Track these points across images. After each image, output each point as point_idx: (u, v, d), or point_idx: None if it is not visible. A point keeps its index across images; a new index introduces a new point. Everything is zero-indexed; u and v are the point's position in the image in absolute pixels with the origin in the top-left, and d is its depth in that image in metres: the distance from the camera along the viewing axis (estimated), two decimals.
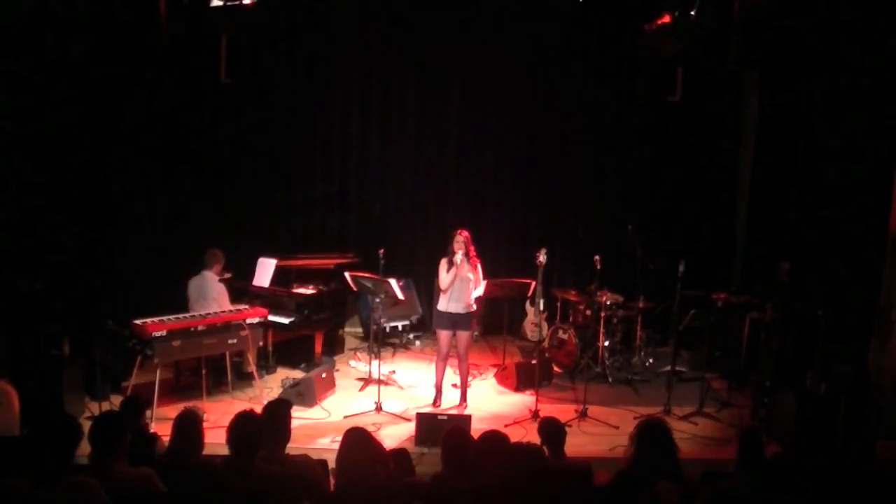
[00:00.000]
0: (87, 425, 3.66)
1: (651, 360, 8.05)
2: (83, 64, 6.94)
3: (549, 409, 6.45)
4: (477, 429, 5.12)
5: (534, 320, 8.16)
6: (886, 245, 6.13)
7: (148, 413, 5.40)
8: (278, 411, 4.12)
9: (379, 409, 6.62)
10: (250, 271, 7.84)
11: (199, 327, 6.41)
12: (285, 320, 7.47)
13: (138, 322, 6.24)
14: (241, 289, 7.63)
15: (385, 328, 8.07)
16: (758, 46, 6.88)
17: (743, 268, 8.79)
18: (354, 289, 7.38)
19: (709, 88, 8.71)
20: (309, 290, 7.79)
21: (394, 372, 7.74)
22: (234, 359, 7.04)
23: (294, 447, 4.05)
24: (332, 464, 3.64)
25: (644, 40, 7.47)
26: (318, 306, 7.69)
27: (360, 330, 9.12)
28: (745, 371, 7.16)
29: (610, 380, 7.61)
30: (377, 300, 7.09)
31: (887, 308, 6.09)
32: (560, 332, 8.01)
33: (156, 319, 6.29)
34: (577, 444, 5.68)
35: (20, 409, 5.54)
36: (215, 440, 5.42)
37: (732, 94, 8.82)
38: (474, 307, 6.76)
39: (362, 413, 6.58)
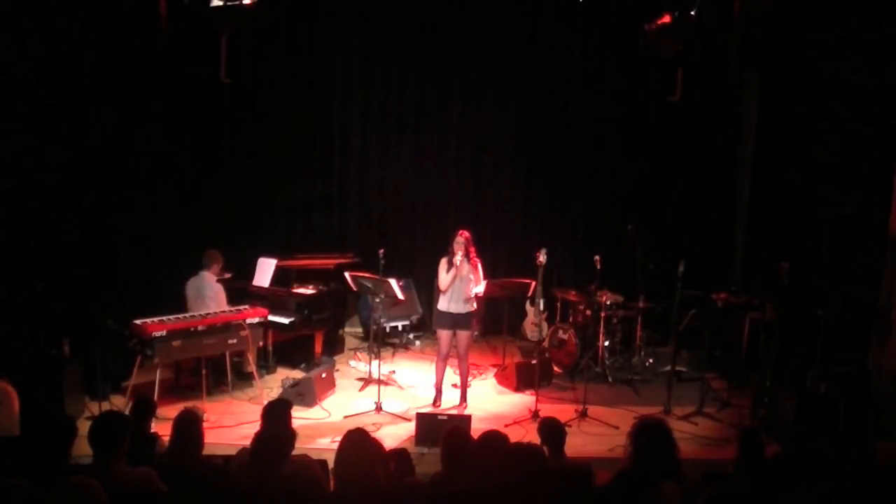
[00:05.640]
0: (87, 425, 3.67)
1: (651, 360, 8.05)
2: (82, 64, 6.94)
3: (549, 409, 6.45)
4: (477, 429, 5.12)
5: (534, 320, 8.16)
6: (886, 245, 6.13)
7: None
8: (278, 411, 4.12)
9: (379, 409, 6.62)
10: (250, 271, 7.84)
11: (199, 327, 6.41)
12: (285, 320, 7.47)
13: (138, 322, 6.25)
14: (241, 289, 7.62)
15: (385, 328, 8.06)
16: (758, 46, 6.88)
17: (743, 268, 8.79)
18: (354, 289, 7.38)
19: (709, 88, 8.70)
20: (309, 290, 7.79)
21: (394, 372, 7.74)
22: (234, 359, 7.04)
23: (294, 447, 4.04)
24: (332, 464, 3.63)
25: (644, 40, 7.47)
26: (318, 306, 7.68)
27: (360, 330, 9.12)
28: (745, 371, 7.15)
29: (610, 380, 7.61)
30: (377, 300, 7.08)
31: (887, 308, 6.09)
32: (560, 332, 8.01)
33: (156, 319, 6.30)
34: (577, 444, 5.69)
35: (20, 409, 5.54)
36: (215, 440, 5.47)
37: (732, 94, 8.82)
38: (474, 306, 6.76)
39: (362, 413, 6.58)
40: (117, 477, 3.44)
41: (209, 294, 6.92)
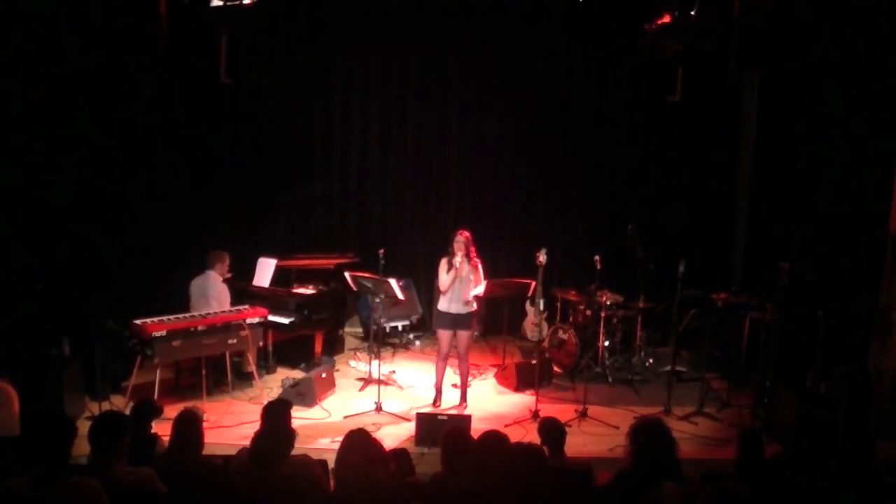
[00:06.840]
0: (87, 425, 3.67)
1: (651, 360, 8.05)
2: (82, 65, 6.94)
3: (549, 409, 6.45)
4: (477, 429, 5.12)
5: (534, 320, 8.16)
6: (886, 245, 6.13)
7: None
8: (278, 411, 4.12)
9: (379, 409, 6.62)
10: (250, 271, 7.84)
11: (199, 327, 6.41)
12: (285, 320, 7.47)
13: (138, 322, 6.25)
14: (241, 289, 7.62)
15: (385, 328, 8.07)
16: (758, 46, 6.88)
17: (743, 268, 8.79)
18: (354, 289, 7.37)
19: (709, 88, 8.71)
20: (309, 290, 7.79)
21: (394, 372, 7.74)
22: (234, 359, 7.04)
23: (294, 447, 4.05)
24: (332, 464, 3.63)
25: (644, 40, 7.47)
26: (318, 306, 7.68)
27: (360, 330, 9.12)
28: (745, 371, 7.16)
29: (610, 380, 7.61)
30: (377, 300, 7.08)
31: (887, 308, 6.09)
32: (560, 332, 8.01)
33: (156, 319, 6.30)
34: (577, 444, 5.69)
35: (20, 409, 5.54)
36: (215, 440, 5.48)
37: (732, 94, 8.82)
38: (474, 307, 6.76)
39: (362, 413, 6.58)
40: (117, 477, 3.44)
41: (213, 294, 6.92)
